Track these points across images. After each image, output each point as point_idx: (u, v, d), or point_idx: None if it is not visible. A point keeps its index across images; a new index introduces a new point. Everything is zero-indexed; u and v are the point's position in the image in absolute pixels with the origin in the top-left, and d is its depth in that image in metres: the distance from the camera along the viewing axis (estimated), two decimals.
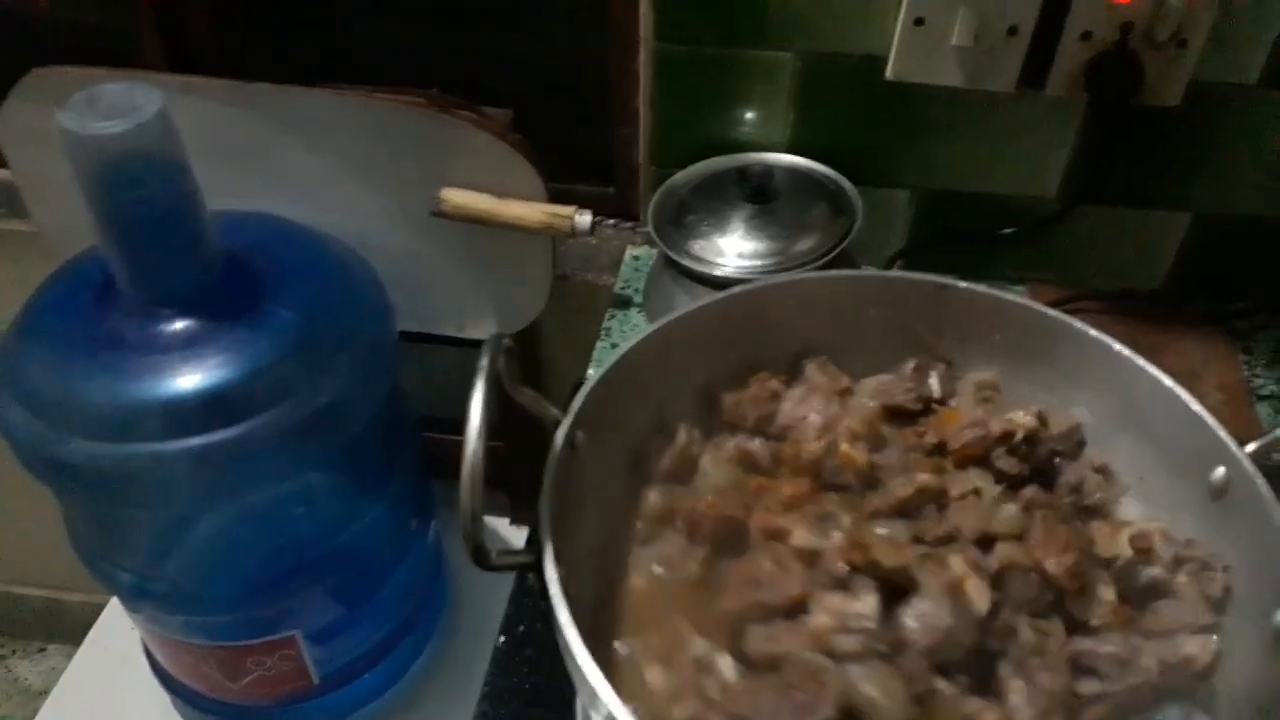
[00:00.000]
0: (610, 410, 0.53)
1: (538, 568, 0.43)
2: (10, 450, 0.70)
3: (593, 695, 0.40)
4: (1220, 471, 0.50)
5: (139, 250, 0.68)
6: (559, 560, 0.43)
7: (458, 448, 1.07)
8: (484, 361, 0.42)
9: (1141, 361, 0.54)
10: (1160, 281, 0.85)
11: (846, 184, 0.79)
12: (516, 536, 1.12)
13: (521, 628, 0.60)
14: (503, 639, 0.60)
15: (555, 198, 0.83)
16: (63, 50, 0.83)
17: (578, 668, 0.40)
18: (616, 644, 0.49)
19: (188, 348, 0.70)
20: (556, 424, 0.50)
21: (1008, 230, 0.82)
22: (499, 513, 1.12)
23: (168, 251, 0.69)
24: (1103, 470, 0.56)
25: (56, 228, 0.90)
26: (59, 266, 0.76)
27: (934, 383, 0.59)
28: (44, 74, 0.81)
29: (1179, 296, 0.84)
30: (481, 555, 0.41)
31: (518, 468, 1.00)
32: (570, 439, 0.49)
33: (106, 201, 0.65)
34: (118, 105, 0.62)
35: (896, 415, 0.57)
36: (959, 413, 0.56)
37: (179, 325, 0.71)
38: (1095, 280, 0.84)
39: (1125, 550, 0.52)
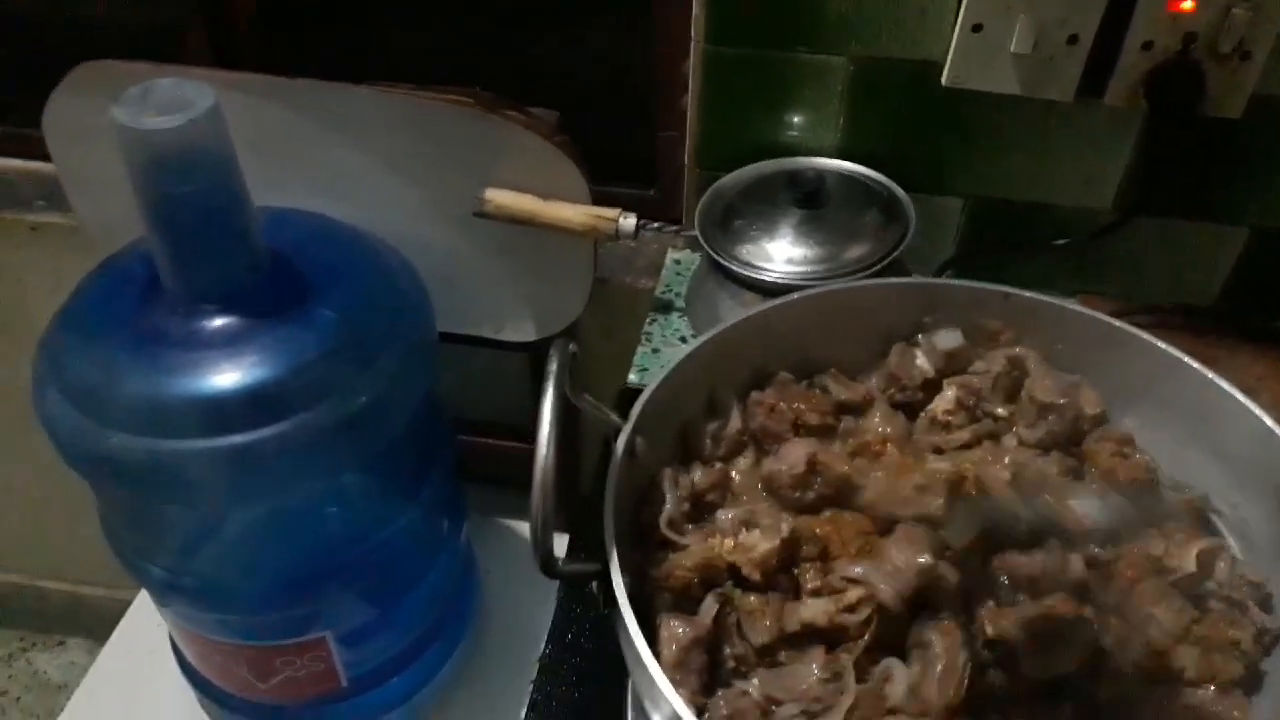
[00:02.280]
0: (664, 414, 0.53)
1: (603, 576, 0.42)
2: (37, 446, 0.70)
3: (662, 702, 0.39)
4: None
5: (186, 246, 0.68)
6: (624, 568, 0.42)
7: (489, 449, 1.07)
8: (553, 367, 0.42)
9: (1211, 374, 0.53)
10: (1215, 296, 0.84)
11: (899, 191, 0.78)
12: (554, 542, 1.11)
13: (569, 635, 0.59)
14: (549, 647, 0.59)
15: (596, 200, 0.82)
16: (108, 46, 0.82)
17: (647, 676, 0.39)
18: None
19: (230, 345, 0.70)
20: (614, 431, 0.49)
21: (1061, 241, 0.81)
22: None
23: (214, 248, 0.69)
24: (1128, 442, 0.56)
25: (98, 222, 0.90)
26: (103, 260, 0.76)
27: (921, 362, 0.58)
28: (90, 68, 0.81)
29: (1234, 311, 0.83)
30: (550, 564, 0.40)
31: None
32: (630, 446, 0.48)
33: (156, 196, 0.64)
34: (171, 101, 0.61)
35: (905, 408, 0.56)
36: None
37: (222, 322, 0.70)
38: (1149, 294, 0.83)
39: (1190, 565, 0.51)
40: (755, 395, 0.57)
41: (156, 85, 0.62)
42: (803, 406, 0.56)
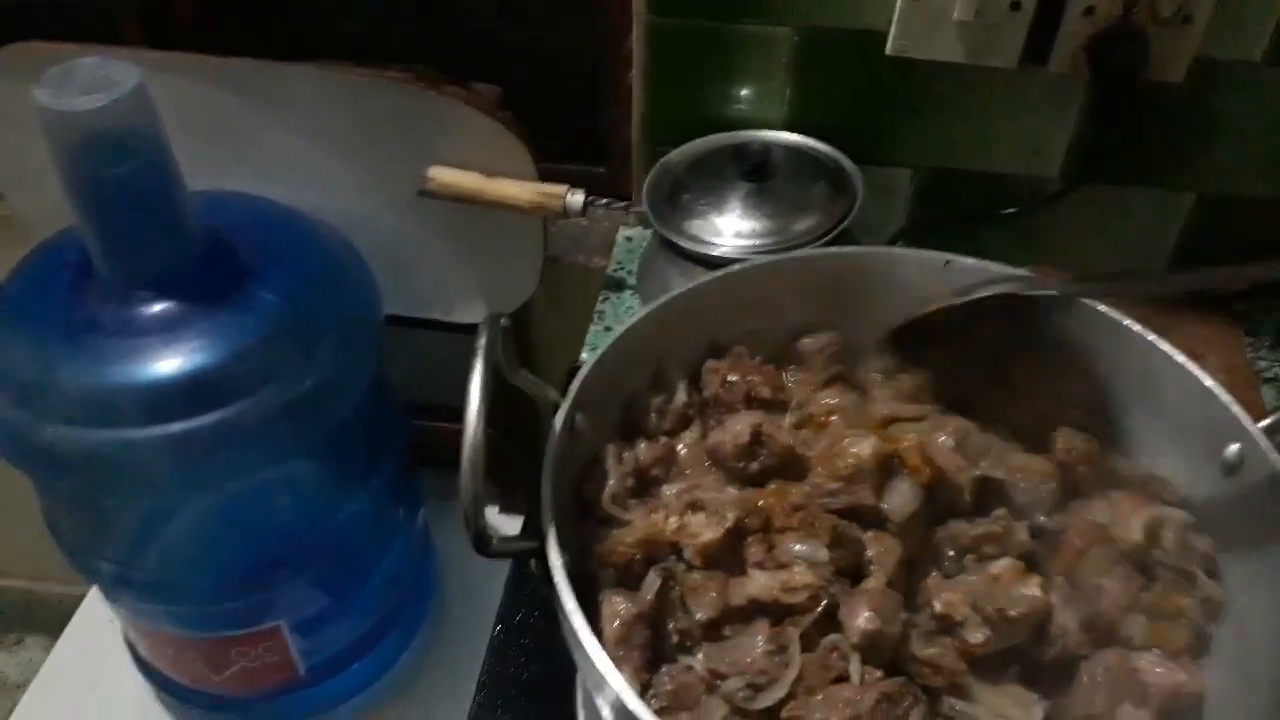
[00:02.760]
0: (607, 390, 0.52)
1: (540, 554, 0.42)
2: None
3: (600, 680, 0.38)
4: (1234, 448, 0.50)
5: (117, 230, 0.66)
6: (562, 546, 0.42)
7: (445, 434, 1.05)
8: (481, 342, 0.41)
9: (1153, 337, 0.53)
10: (1163, 263, 0.84)
11: (846, 162, 0.77)
12: (507, 524, 1.10)
13: (518, 616, 0.59)
14: (499, 628, 0.58)
15: (545, 178, 0.82)
16: (38, 27, 0.80)
17: (584, 654, 0.39)
18: None
19: (168, 331, 0.68)
20: (554, 407, 0.48)
21: (1009, 210, 0.81)
22: (488, 501, 1.11)
23: (146, 231, 0.67)
24: None
25: (33, 211, 0.88)
26: (33, 248, 0.74)
27: None
28: (17, 50, 0.79)
29: None
30: (483, 542, 0.39)
31: (508, 453, 0.98)
32: (569, 422, 0.48)
33: (83, 180, 0.63)
34: (94, 80, 0.60)
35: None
36: None
37: (158, 308, 0.69)
38: (1098, 261, 0.83)
39: (1137, 535, 0.51)
40: (711, 363, 0.56)
41: (79, 65, 0.61)
42: (756, 379, 0.55)
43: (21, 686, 1.45)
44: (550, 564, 0.41)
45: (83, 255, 0.68)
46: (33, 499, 0.79)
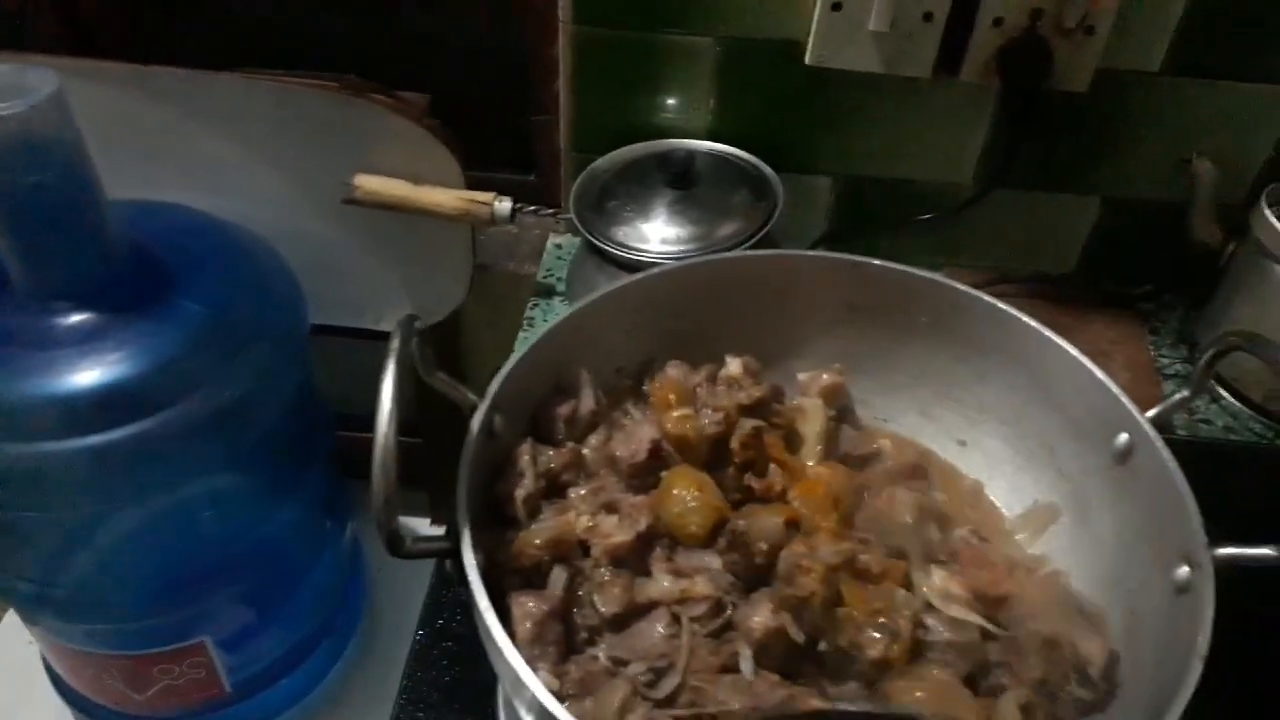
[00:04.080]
0: (524, 393, 0.52)
1: (455, 554, 0.42)
2: None
3: (516, 681, 0.39)
4: (1124, 437, 0.52)
5: (32, 240, 0.66)
6: (477, 547, 0.42)
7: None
8: (395, 343, 0.41)
9: (1049, 333, 0.55)
10: (1072, 265, 0.87)
11: (767, 170, 0.79)
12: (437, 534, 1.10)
13: (440, 620, 0.59)
14: (421, 633, 0.58)
15: (476, 186, 0.82)
16: None
17: (499, 653, 0.39)
18: None
19: (86, 342, 0.68)
20: (473, 409, 0.48)
21: (925, 215, 0.83)
22: (419, 513, 1.10)
23: (63, 241, 0.66)
24: None
25: None
26: None
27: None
28: None
29: (1089, 279, 0.86)
30: (396, 543, 0.39)
31: (436, 465, 0.98)
32: (488, 425, 0.48)
33: None
34: (10, 87, 0.59)
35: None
36: None
37: (77, 319, 0.68)
38: (1010, 264, 0.86)
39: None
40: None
41: None
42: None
43: None
44: (465, 564, 0.41)
45: None
46: None
